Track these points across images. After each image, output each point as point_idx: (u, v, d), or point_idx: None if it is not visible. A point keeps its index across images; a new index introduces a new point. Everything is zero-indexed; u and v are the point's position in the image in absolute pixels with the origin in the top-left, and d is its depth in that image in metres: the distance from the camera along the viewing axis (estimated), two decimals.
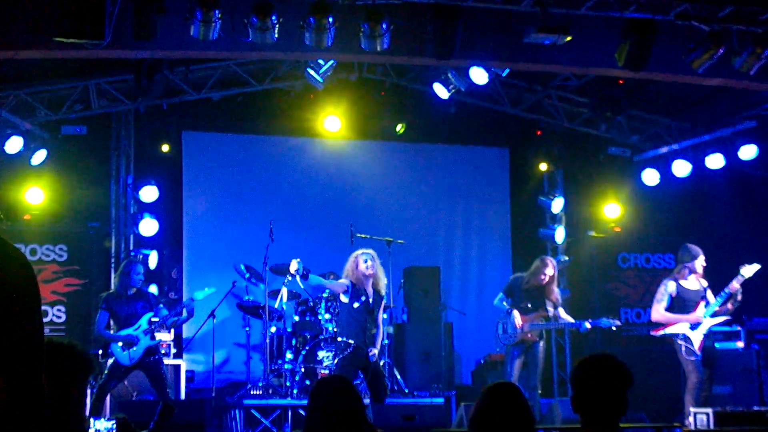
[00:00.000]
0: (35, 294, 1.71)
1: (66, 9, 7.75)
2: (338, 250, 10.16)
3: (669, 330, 9.66)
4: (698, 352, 9.45)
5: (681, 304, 9.67)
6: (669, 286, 9.71)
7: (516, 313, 9.81)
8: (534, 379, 9.83)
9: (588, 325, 9.98)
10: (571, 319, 10.10)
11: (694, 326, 9.53)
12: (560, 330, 13.40)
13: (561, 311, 10.07)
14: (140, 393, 10.40)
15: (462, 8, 8.63)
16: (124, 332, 9.34)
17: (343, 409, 4.03)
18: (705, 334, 9.52)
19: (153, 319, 9.46)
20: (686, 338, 9.52)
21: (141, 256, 11.54)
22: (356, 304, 9.01)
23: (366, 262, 9.06)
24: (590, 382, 3.57)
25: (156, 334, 9.56)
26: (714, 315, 9.56)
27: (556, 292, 10.07)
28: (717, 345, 10.14)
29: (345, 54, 9.68)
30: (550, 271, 9.91)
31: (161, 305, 9.68)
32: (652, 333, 10.04)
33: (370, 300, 9.06)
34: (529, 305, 9.93)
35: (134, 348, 9.24)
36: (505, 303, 9.99)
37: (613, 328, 10.18)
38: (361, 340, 8.96)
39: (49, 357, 1.74)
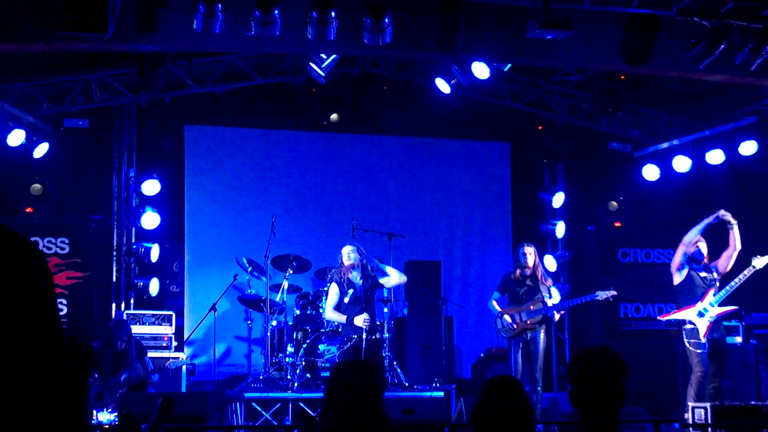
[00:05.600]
0: (52, 285, 1.74)
1: (69, 2, 7.77)
2: (339, 244, 10.16)
3: (675, 316, 9.59)
4: (703, 340, 9.36)
5: (690, 288, 9.59)
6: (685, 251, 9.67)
7: (506, 315, 9.90)
8: (535, 371, 9.81)
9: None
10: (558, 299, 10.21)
11: (702, 313, 9.46)
12: (560, 323, 13.45)
13: (554, 291, 10.21)
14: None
15: (465, 3, 8.65)
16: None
17: (358, 396, 3.96)
18: (711, 322, 9.44)
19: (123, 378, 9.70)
20: (692, 327, 9.42)
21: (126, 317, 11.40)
22: (346, 299, 9.37)
23: (349, 255, 9.48)
24: (586, 375, 3.58)
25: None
26: (722, 304, 9.50)
27: (543, 274, 10.20)
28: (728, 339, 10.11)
29: (347, 48, 9.71)
30: (529, 251, 10.08)
31: (140, 365, 9.98)
32: (659, 318, 10.10)
33: (357, 287, 9.37)
34: (523, 295, 10.03)
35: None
36: (496, 304, 10.09)
37: (600, 299, 10.31)
38: (360, 332, 9.17)
39: None
